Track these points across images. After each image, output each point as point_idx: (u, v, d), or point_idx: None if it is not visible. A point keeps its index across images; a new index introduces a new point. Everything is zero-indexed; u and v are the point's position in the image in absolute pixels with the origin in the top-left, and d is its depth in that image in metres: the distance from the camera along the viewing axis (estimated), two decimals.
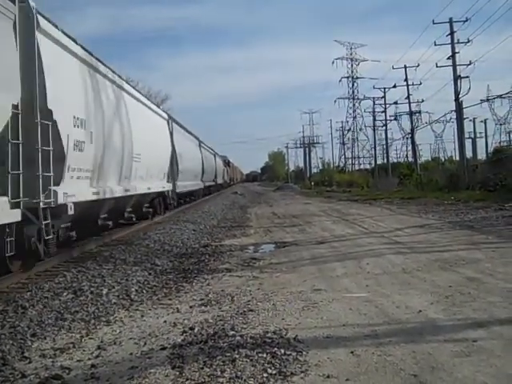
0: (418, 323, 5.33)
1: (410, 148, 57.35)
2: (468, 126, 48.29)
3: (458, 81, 31.27)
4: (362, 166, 79.99)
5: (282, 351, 4.51)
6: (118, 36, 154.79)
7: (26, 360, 4.69)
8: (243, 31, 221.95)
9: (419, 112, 48.97)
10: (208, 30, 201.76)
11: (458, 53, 32.16)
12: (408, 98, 45.35)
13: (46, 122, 7.91)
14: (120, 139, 12.56)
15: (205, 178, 36.38)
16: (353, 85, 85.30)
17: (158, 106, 22.66)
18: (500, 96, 51.45)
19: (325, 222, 17.69)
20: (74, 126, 9.10)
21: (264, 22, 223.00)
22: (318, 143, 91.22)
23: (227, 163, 73.75)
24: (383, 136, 58.62)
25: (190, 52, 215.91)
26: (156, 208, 18.47)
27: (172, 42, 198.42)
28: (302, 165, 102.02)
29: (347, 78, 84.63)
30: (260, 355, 4.43)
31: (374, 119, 56.48)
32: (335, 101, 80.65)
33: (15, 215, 7.18)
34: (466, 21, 31.51)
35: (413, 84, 44.76)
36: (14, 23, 7.30)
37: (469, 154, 44.05)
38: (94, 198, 10.37)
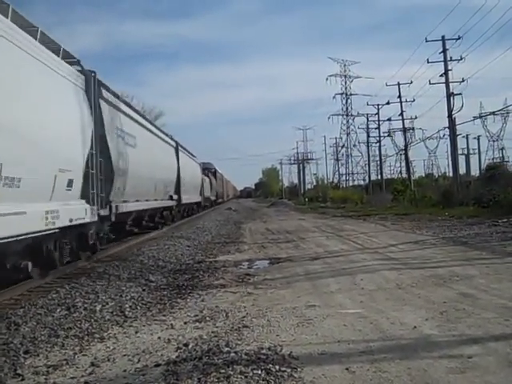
0: (413, 339, 5.32)
1: (403, 164, 57.59)
2: (461, 143, 49.00)
3: (451, 98, 31.60)
4: (356, 182, 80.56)
5: (277, 368, 4.49)
6: (112, 52, 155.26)
7: (19, 377, 4.65)
8: (234, 48, 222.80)
9: (413, 128, 49.51)
10: (199, 47, 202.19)
11: (451, 70, 32.58)
12: (401, 114, 45.79)
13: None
14: None
15: (129, 195, 14.83)
16: (346, 101, 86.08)
17: None
18: (493, 113, 52.25)
19: (319, 237, 17.68)
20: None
21: (255, 38, 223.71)
22: (312, 159, 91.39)
23: (213, 173, 54.33)
24: (377, 152, 59.09)
25: (181, 68, 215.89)
26: None
27: (165, 59, 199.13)
28: (296, 181, 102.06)
29: (341, 94, 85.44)
30: (255, 372, 4.40)
31: (368, 135, 57.02)
32: (329, 117, 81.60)
33: None
34: (459, 39, 31.98)
35: (406, 101, 45.22)
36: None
37: (462, 170, 44.63)
38: None
